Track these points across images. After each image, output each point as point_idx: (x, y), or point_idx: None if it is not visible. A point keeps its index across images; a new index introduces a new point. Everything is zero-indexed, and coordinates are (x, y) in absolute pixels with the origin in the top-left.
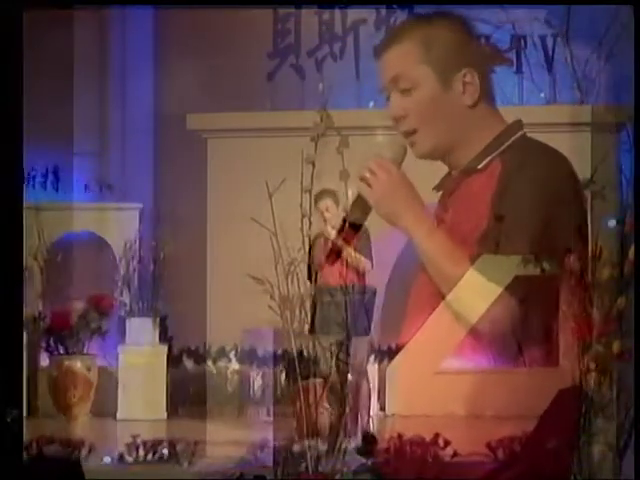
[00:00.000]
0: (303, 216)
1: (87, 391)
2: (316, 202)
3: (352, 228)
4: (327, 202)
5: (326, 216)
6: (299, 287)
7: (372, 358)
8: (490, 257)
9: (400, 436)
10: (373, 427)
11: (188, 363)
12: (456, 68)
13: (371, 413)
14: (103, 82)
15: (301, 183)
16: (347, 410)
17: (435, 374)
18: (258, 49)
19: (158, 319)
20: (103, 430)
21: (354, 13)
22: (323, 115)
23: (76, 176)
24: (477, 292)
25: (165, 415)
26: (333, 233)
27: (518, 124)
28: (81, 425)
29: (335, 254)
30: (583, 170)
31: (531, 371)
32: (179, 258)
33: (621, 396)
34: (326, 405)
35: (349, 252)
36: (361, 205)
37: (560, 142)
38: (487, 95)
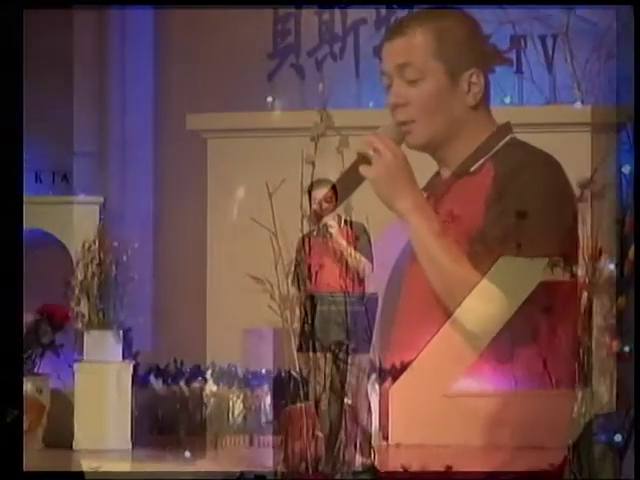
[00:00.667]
0: (303, 216)
1: (38, 417)
2: (312, 191)
3: (335, 195)
4: (323, 192)
5: (322, 206)
6: (299, 287)
7: (373, 378)
8: (510, 260)
9: (405, 469)
10: (374, 459)
11: (157, 384)
12: (464, 67)
13: (372, 442)
14: (103, 82)
15: (301, 183)
16: (344, 437)
17: (445, 397)
18: (258, 49)
19: (121, 332)
20: (57, 462)
21: (354, 13)
22: (323, 115)
23: (26, 166)
24: (496, 300)
25: (130, 445)
26: (332, 224)
27: (507, 126)
28: (31, 456)
29: (317, 217)
30: (583, 170)
31: (558, 393)
32: (178, 258)
33: (621, 396)
34: (318, 433)
35: (349, 252)
36: (352, 177)
37: (560, 142)
38: (486, 96)
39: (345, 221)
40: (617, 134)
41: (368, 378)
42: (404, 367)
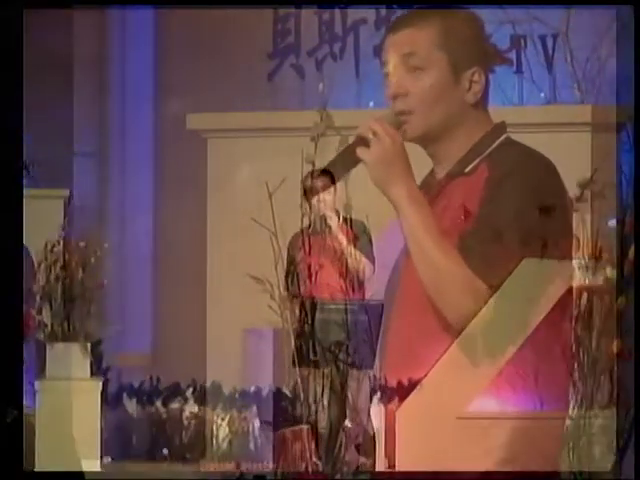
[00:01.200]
0: (303, 216)
1: None
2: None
3: (328, 177)
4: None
5: (320, 197)
6: (299, 287)
7: (377, 397)
8: (535, 262)
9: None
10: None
11: (130, 404)
12: (467, 64)
13: (377, 470)
14: (103, 82)
15: (301, 183)
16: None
17: (459, 419)
18: (258, 49)
19: (89, 345)
20: None
21: (354, 13)
22: (323, 115)
23: None
24: (517, 308)
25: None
26: (331, 216)
27: (502, 125)
28: None
29: (312, 192)
30: (583, 170)
31: (590, 414)
32: (178, 258)
33: (621, 396)
34: (315, 460)
35: (349, 252)
36: (348, 158)
37: (560, 142)
38: (485, 96)
39: (344, 219)
40: (617, 134)
41: (372, 396)
42: (412, 385)
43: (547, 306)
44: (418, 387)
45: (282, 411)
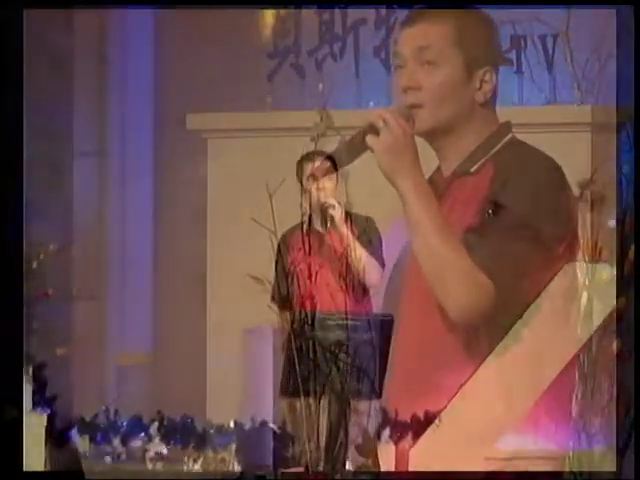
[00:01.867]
0: (303, 215)
1: None
2: (304, 165)
3: (330, 163)
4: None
5: (320, 185)
6: (299, 287)
7: (385, 433)
8: (575, 267)
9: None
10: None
11: (81, 441)
12: (480, 64)
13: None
14: (103, 82)
15: (301, 183)
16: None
17: (488, 460)
18: (258, 49)
19: (31, 369)
20: None
21: (354, 13)
22: (323, 115)
23: None
24: (560, 325)
25: None
26: (334, 204)
27: (508, 125)
28: None
29: (314, 178)
30: (583, 170)
31: None
32: (178, 259)
33: (621, 396)
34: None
35: (351, 252)
36: (356, 146)
37: (560, 142)
38: (494, 96)
39: (346, 214)
40: (617, 134)
41: (379, 433)
42: (428, 418)
43: (592, 322)
44: (436, 421)
45: (272, 450)
